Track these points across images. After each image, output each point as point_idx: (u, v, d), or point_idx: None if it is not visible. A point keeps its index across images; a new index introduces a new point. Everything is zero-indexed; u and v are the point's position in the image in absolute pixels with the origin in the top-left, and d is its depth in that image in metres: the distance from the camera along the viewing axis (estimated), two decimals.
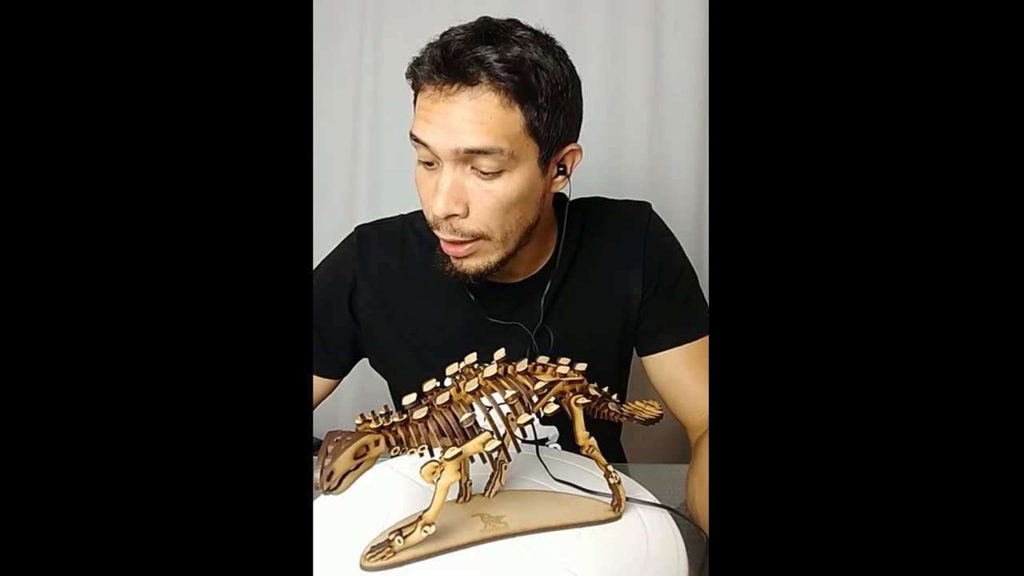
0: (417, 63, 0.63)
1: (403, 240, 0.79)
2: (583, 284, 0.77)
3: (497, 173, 0.63)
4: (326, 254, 0.82)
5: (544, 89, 0.62)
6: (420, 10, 1.24)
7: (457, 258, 0.67)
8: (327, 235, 0.84)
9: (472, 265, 0.68)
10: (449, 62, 0.60)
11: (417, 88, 0.64)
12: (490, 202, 0.64)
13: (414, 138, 0.63)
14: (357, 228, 0.81)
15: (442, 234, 0.66)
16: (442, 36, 0.64)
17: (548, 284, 0.74)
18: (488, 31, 0.62)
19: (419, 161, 0.66)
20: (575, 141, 0.69)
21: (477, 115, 0.60)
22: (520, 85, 0.61)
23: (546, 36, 0.65)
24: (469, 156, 0.62)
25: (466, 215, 0.64)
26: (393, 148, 1.29)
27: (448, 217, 0.64)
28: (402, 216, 0.82)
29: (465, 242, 0.66)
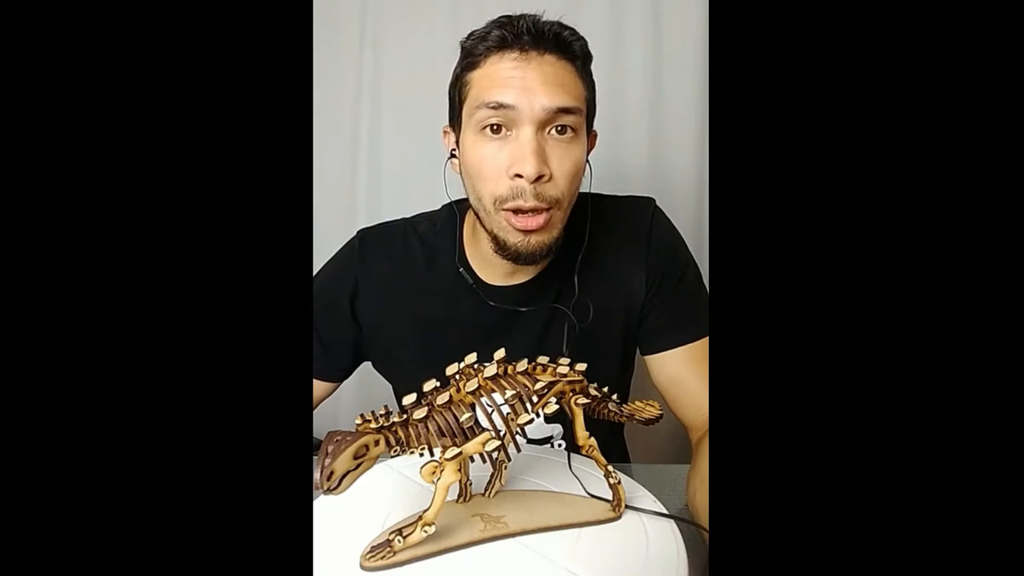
0: (481, 37, 0.67)
1: (406, 243, 0.79)
2: (585, 283, 0.77)
3: (574, 134, 0.67)
4: (326, 255, 0.82)
5: (589, 69, 0.70)
6: (420, 11, 1.24)
7: (530, 231, 0.67)
8: (326, 236, 0.84)
9: (539, 240, 0.68)
10: (532, 30, 0.65)
11: (483, 56, 0.67)
12: (568, 165, 0.67)
13: (491, 105, 0.65)
14: (359, 232, 0.81)
15: (523, 202, 0.65)
16: (497, 19, 0.68)
17: (578, 259, 0.74)
18: (533, 18, 0.68)
19: (480, 131, 0.66)
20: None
21: (560, 78, 0.66)
22: (584, 61, 0.69)
23: None
24: (554, 116, 0.65)
25: (551, 178, 0.66)
26: (393, 150, 1.29)
27: (538, 178, 0.65)
28: (404, 219, 0.82)
29: (546, 209, 0.66)
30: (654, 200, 0.80)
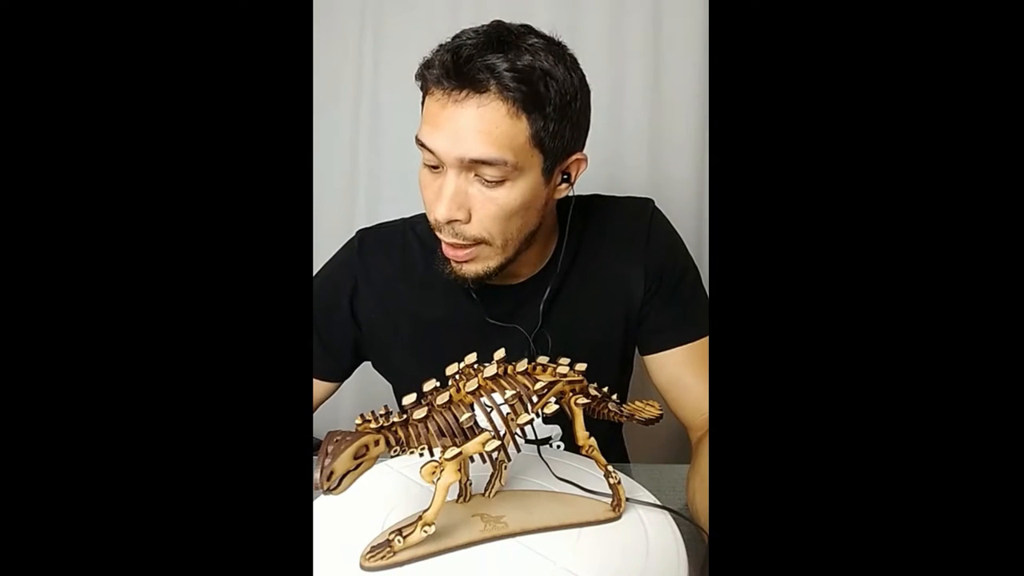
0: (427, 65, 0.63)
1: (405, 244, 0.79)
2: (585, 283, 0.77)
3: (500, 182, 0.63)
4: (326, 257, 0.82)
5: (552, 99, 0.62)
6: (420, 10, 1.24)
7: (457, 262, 0.68)
8: (326, 237, 0.84)
9: (471, 270, 0.68)
10: (459, 68, 0.60)
11: (426, 91, 0.64)
12: (492, 209, 0.64)
13: (420, 143, 0.63)
14: (358, 232, 0.81)
15: (444, 237, 0.66)
16: (454, 39, 0.63)
17: (548, 287, 0.74)
18: (500, 37, 0.61)
19: (424, 164, 0.66)
20: (581, 150, 0.69)
21: (484, 124, 0.60)
22: (528, 95, 0.60)
23: (558, 44, 0.65)
24: (473, 164, 0.62)
25: (468, 220, 0.64)
26: (393, 150, 1.29)
27: (450, 222, 0.64)
28: (403, 220, 0.82)
29: (466, 246, 0.66)
30: (653, 201, 0.80)
